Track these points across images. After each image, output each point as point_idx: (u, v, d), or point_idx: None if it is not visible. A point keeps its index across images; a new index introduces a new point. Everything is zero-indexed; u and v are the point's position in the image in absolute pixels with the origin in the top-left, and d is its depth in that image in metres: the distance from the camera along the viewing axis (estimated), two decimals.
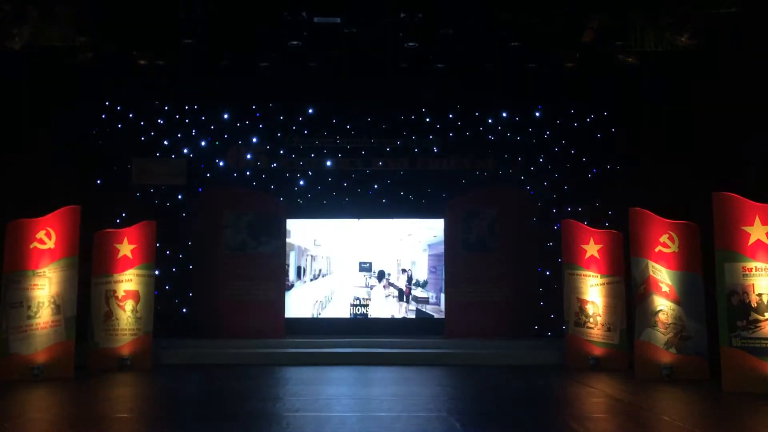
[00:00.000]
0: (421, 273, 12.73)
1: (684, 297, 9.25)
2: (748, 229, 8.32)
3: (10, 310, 9.13)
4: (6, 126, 10.76)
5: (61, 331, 9.33)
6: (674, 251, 9.36)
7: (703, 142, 10.63)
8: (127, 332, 10.20)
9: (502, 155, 12.76)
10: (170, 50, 10.33)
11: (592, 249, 10.42)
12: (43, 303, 9.28)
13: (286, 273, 12.32)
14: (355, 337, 11.81)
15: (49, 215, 9.46)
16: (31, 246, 9.32)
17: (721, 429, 6.62)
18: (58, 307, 9.36)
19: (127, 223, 10.95)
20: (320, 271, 12.77)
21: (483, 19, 9.75)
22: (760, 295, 8.21)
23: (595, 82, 11.81)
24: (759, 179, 9.13)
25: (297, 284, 12.64)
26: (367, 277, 12.69)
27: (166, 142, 12.71)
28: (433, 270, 12.70)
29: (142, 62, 10.36)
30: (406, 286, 12.68)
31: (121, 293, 10.23)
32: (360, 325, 12.45)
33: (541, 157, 12.74)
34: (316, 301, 12.65)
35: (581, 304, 10.43)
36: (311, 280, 12.74)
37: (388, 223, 12.78)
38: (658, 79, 10.84)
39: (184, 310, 12.32)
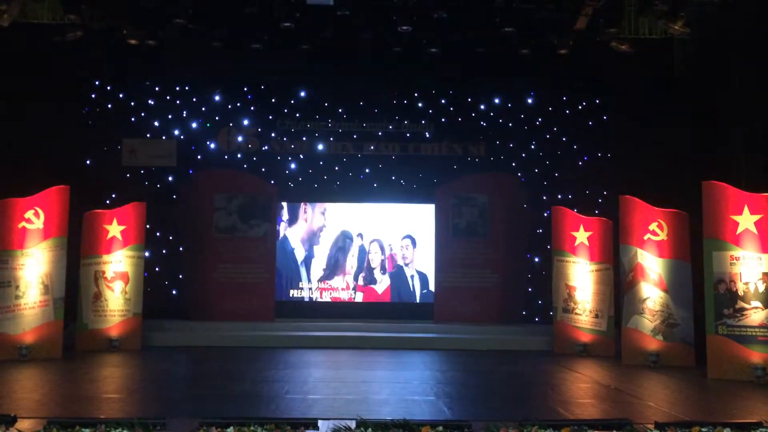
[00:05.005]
0: None
1: (672, 285, 9.31)
2: (736, 218, 8.36)
3: None
4: None
5: (50, 311, 9.30)
6: (663, 239, 9.40)
7: (693, 131, 10.68)
8: (116, 313, 10.18)
9: (493, 141, 12.74)
10: (161, 30, 10.21)
11: (581, 236, 10.46)
12: (32, 283, 9.24)
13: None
14: (345, 321, 11.85)
15: (38, 195, 9.39)
16: (20, 225, 9.25)
17: (705, 415, 6.67)
18: (47, 288, 9.33)
19: (116, 204, 10.89)
20: None
21: (477, 4, 9.70)
22: (746, 283, 8.28)
23: (588, 70, 11.80)
24: (749, 168, 9.18)
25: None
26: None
27: (156, 123, 12.61)
28: None
29: (132, 42, 10.24)
30: None
31: (110, 274, 10.20)
32: (350, 309, 12.46)
33: (533, 144, 12.73)
34: None
35: (570, 290, 10.49)
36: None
37: None
38: (651, 67, 10.84)
39: (174, 292, 12.29)
